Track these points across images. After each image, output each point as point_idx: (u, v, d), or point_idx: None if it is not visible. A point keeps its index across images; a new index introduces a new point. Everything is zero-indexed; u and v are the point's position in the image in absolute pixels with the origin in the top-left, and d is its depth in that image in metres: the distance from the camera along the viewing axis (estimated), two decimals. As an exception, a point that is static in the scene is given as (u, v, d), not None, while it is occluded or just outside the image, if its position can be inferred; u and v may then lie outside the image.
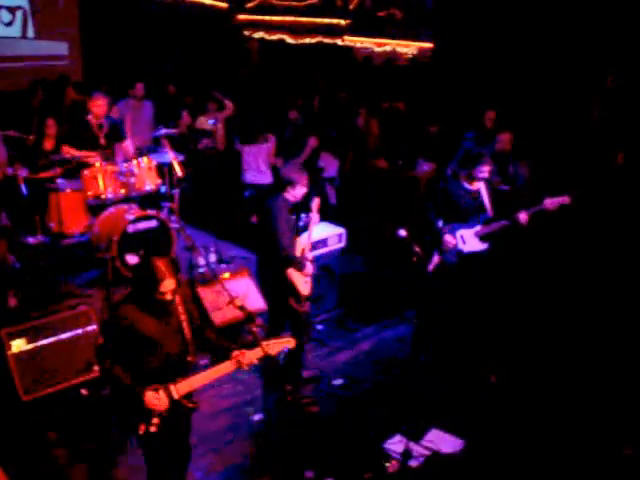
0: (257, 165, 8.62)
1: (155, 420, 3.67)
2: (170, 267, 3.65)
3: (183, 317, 3.81)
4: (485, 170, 5.79)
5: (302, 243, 5.59)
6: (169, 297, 3.67)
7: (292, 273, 5.37)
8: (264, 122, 9.04)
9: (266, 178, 8.65)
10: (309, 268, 5.48)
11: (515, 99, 9.23)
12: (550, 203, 5.64)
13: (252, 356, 3.82)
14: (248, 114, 9.58)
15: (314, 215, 5.71)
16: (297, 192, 5.36)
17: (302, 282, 5.46)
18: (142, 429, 3.68)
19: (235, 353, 3.81)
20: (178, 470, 4.07)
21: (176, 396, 3.70)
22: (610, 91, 8.60)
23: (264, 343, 3.88)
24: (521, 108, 9.10)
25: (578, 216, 6.64)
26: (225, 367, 3.82)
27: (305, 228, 5.74)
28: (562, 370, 5.80)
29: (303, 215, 6.64)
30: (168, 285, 3.62)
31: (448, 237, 5.81)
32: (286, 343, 3.98)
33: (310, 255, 5.59)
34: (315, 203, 5.75)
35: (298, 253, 5.48)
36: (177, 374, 3.75)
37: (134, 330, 3.66)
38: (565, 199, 5.63)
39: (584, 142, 8.54)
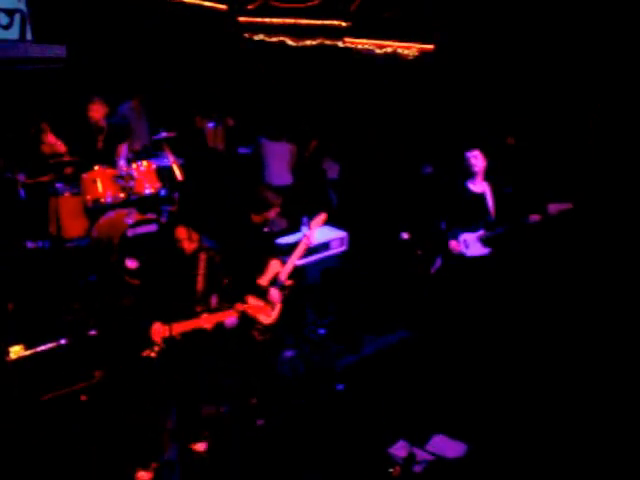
0: (281, 166, 8.50)
1: (156, 348, 4.37)
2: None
3: (201, 272, 4.55)
4: (477, 155, 5.73)
5: (276, 267, 5.21)
6: (186, 248, 4.50)
7: (250, 299, 5.03)
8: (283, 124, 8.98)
9: (288, 179, 8.58)
10: (275, 296, 5.12)
11: (515, 102, 9.21)
12: (553, 208, 5.62)
13: (205, 321, 4.48)
14: (274, 112, 9.54)
15: (310, 235, 5.33)
16: (263, 216, 5.16)
17: (261, 310, 5.10)
18: (146, 353, 4.37)
19: (204, 315, 4.50)
20: (161, 403, 4.70)
21: (173, 332, 4.37)
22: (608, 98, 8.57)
23: (223, 313, 4.56)
24: (520, 111, 9.08)
25: (581, 221, 6.61)
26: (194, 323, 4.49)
27: (291, 249, 5.36)
28: (563, 373, 5.76)
29: (305, 228, 6.54)
30: (180, 233, 4.47)
31: (453, 243, 5.78)
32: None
33: (287, 281, 5.20)
34: (318, 220, 5.38)
35: (268, 278, 5.14)
36: (182, 316, 4.44)
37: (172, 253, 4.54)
38: (568, 205, 5.61)
39: (583, 148, 8.52)
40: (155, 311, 4.48)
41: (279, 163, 8.48)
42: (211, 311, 4.57)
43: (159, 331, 4.40)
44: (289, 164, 8.57)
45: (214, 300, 4.69)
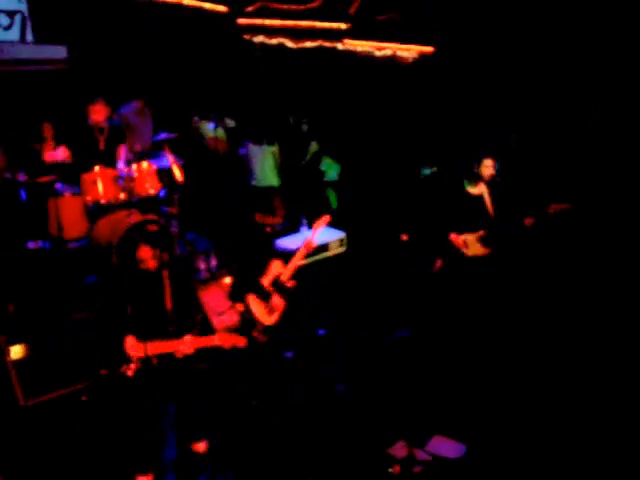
0: (262, 168, 8.53)
1: (133, 366, 4.22)
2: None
3: (167, 290, 4.33)
4: (490, 165, 5.80)
5: (278, 268, 5.22)
6: (150, 267, 4.26)
7: (251, 299, 5.07)
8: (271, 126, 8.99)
9: (273, 181, 8.61)
10: (277, 302, 5.12)
11: (514, 103, 9.23)
12: (552, 209, 5.65)
13: (188, 345, 4.25)
14: (260, 115, 9.55)
15: (312, 236, 5.34)
16: (268, 220, 5.15)
17: (263, 310, 5.13)
18: (122, 369, 4.22)
19: (186, 338, 4.27)
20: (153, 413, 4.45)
21: (149, 353, 4.21)
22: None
23: (206, 338, 4.33)
24: (521, 111, 9.11)
25: (580, 220, 6.63)
26: (173, 345, 4.29)
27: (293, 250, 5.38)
28: (563, 373, 5.77)
29: (304, 229, 6.57)
30: (144, 253, 4.24)
31: (453, 235, 5.80)
32: (236, 340, 4.37)
33: (288, 282, 5.22)
34: (321, 222, 5.40)
35: (269, 278, 5.14)
36: (156, 336, 4.25)
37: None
38: (566, 206, 5.64)
39: (583, 148, 8.54)
40: (129, 326, 4.30)
41: (261, 165, 8.52)
42: (194, 333, 4.38)
43: (134, 347, 4.24)
44: (273, 166, 8.60)
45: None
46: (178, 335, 4.30)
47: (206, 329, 4.63)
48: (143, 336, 4.26)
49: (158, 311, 4.35)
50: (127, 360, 4.25)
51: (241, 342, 4.47)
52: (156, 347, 4.27)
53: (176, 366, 4.39)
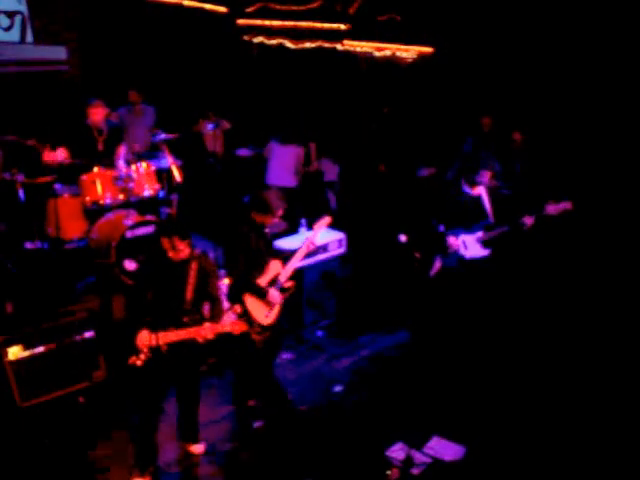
0: (283, 167, 8.52)
1: (142, 356, 4.33)
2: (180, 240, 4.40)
3: (191, 281, 4.47)
4: (485, 175, 5.79)
5: (276, 268, 5.16)
6: (173, 256, 4.39)
7: (248, 299, 5.02)
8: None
9: (290, 182, 8.58)
10: (274, 297, 5.06)
11: (514, 103, 9.23)
12: (552, 209, 5.61)
13: (208, 331, 4.38)
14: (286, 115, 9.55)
15: (313, 237, 5.28)
16: (267, 219, 5.10)
17: (260, 310, 5.07)
18: (132, 360, 4.35)
19: (206, 324, 4.41)
20: (152, 410, 4.63)
21: (160, 342, 4.33)
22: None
23: (221, 324, 4.48)
24: (520, 112, 9.11)
25: (580, 222, 6.62)
26: (192, 332, 4.39)
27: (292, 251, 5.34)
28: (563, 374, 5.76)
29: (303, 228, 6.54)
30: (164, 244, 4.39)
31: (451, 239, 5.79)
32: (238, 326, 4.49)
33: (287, 283, 5.17)
34: (322, 222, 5.34)
35: (268, 278, 5.09)
36: (169, 325, 4.38)
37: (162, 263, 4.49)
38: (567, 205, 5.60)
39: (584, 146, 8.53)
40: (144, 318, 4.41)
41: (281, 165, 8.50)
42: (208, 320, 4.48)
43: (145, 339, 4.33)
44: (293, 167, 8.57)
45: (206, 309, 4.62)
46: (193, 324, 4.42)
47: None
48: (155, 326, 4.36)
49: (176, 301, 4.46)
50: (136, 351, 4.35)
51: (244, 328, 4.60)
52: (170, 336, 4.35)
53: (184, 354, 4.51)
